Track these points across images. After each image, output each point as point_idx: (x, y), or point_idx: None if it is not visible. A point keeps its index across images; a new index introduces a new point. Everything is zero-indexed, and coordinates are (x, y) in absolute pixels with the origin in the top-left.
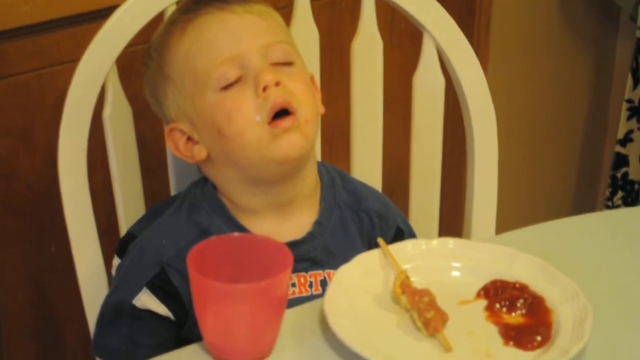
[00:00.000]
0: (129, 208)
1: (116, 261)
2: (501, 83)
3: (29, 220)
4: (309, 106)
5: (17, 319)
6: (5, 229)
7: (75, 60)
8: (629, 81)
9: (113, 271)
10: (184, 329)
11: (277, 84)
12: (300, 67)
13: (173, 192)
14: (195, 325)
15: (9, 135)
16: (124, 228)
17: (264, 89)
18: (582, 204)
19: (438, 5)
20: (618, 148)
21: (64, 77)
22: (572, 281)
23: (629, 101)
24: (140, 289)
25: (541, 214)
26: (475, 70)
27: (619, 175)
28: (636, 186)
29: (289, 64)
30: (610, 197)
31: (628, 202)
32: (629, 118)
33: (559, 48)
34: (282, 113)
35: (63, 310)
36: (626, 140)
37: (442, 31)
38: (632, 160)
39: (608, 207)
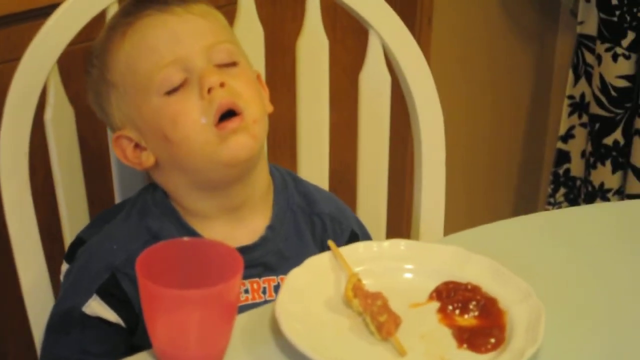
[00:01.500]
0: (72, 212)
1: (65, 267)
2: (442, 79)
3: None
4: (255, 106)
5: None
6: None
7: (10, 60)
8: (570, 77)
9: (61, 277)
10: (136, 336)
11: (222, 84)
12: (245, 66)
13: (117, 194)
14: (146, 332)
15: None
16: (67, 232)
17: (209, 90)
18: (523, 200)
19: (383, 2)
20: (560, 144)
21: (1, 78)
22: (524, 281)
23: (570, 97)
24: (90, 296)
25: (483, 211)
26: (421, 66)
27: (560, 171)
28: (578, 182)
29: (233, 64)
30: (553, 194)
31: (570, 198)
32: (571, 114)
33: (500, 44)
34: (228, 114)
35: (3, 318)
36: (567, 136)
37: (388, 28)
38: (574, 156)
39: (550, 204)
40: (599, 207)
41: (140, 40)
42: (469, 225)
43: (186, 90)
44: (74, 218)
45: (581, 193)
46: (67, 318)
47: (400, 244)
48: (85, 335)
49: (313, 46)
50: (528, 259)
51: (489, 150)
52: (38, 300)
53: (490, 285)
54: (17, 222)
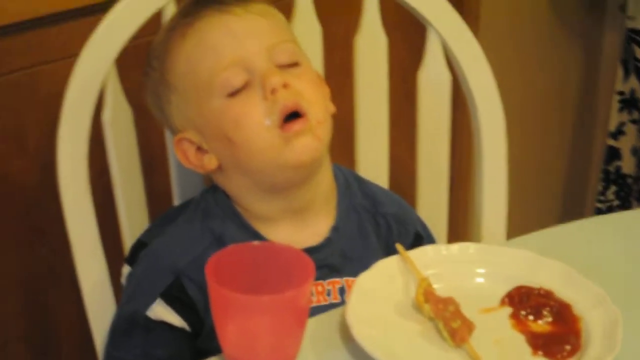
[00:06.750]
0: (131, 213)
1: (126, 269)
2: None
3: (22, 224)
4: (319, 107)
5: (10, 324)
6: None
7: (65, 57)
8: (620, 72)
9: (122, 279)
10: (200, 339)
11: (285, 85)
12: (306, 66)
13: (175, 195)
14: (211, 335)
15: None
16: (126, 234)
17: (272, 91)
18: (573, 199)
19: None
20: (610, 141)
21: (55, 75)
22: (598, 287)
23: (620, 93)
24: (154, 300)
25: (532, 210)
26: (482, 64)
27: (611, 169)
28: (629, 180)
29: (295, 64)
30: (603, 192)
31: (621, 196)
32: (621, 110)
33: (547, 40)
34: (292, 116)
35: (57, 314)
36: (618, 132)
37: (448, 25)
38: (625, 153)
39: (601, 202)
40: None
41: (200, 41)
42: (519, 225)
43: (249, 92)
44: (132, 219)
45: (632, 191)
46: (130, 322)
47: (470, 247)
48: (149, 339)
49: (371, 44)
50: (598, 263)
51: (538, 149)
52: (99, 302)
53: (563, 290)
54: (77, 225)
